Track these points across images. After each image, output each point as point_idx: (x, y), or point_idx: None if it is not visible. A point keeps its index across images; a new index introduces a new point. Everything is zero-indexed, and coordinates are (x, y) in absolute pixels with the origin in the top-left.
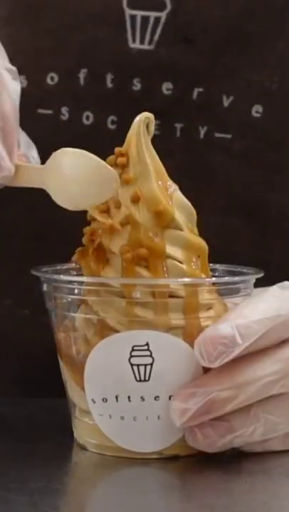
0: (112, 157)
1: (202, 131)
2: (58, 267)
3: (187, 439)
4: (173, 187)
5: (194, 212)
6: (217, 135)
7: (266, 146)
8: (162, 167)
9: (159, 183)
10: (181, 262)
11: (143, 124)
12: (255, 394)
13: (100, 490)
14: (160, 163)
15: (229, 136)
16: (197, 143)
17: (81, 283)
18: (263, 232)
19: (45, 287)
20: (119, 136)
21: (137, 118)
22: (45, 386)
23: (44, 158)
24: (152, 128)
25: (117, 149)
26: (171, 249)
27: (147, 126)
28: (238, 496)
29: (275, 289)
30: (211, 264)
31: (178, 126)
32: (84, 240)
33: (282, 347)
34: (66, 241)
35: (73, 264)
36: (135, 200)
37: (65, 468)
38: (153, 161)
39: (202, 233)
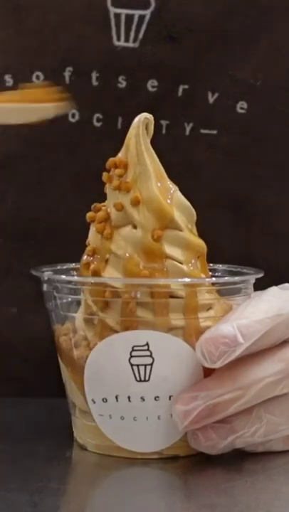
0: (111, 160)
1: (188, 128)
2: (58, 267)
3: (189, 441)
4: (173, 188)
5: (194, 212)
6: (202, 131)
7: (251, 142)
8: (162, 168)
9: (159, 184)
10: (180, 263)
11: (142, 124)
12: (257, 395)
13: (100, 490)
14: (159, 164)
15: (214, 132)
16: (183, 139)
17: (81, 283)
18: (248, 228)
19: (45, 287)
20: (105, 133)
21: (136, 119)
22: (45, 386)
23: (30, 152)
24: (151, 128)
25: (111, 160)
26: (170, 250)
27: (146, 127)
28: (238, 496)
29: (275, 290)
30: (211, 264)
31: (163, 123)
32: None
33: (283, 347)
34: (56, 240)
35: (73, 264)
36: (135, 203)
37: (65, 468)
38: (152, 162)
39: None
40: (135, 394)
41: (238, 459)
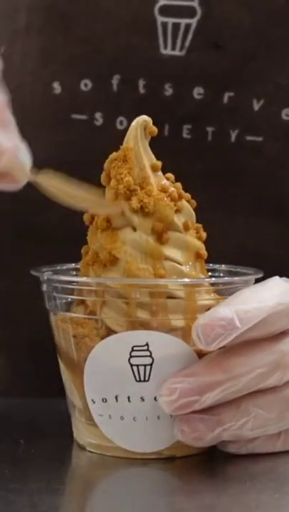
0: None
1: (233, 135)
2: (58, 267)
3: (176, 434)
4: (171, 188)
5: (193, 213)
6: (248, 138)
7: None
8: (160, 169)
9: (158, 185)
10: (180, 264)
11: (140, 127)
12: (246, 385)
13: (100, 490)
14: (159, 165)
15: (260, 138)
16: (228, 146)
17: (81, 283)
18: None
19: (44, 287)
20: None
21: (134, 122)
22: (45, 386)
23: (79, 161)
24: (152, 129)
25: (109, 162)
26: (170, 251)
27: (145, 129)
28: (238, 496)
29: (278, 279)
30: (211, 264)
31: (209, 130)
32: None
33: (279, 339)
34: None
35: (73, 264)
36: (136, 207)
37: (65, 468)
38: (151, 164)
39: (233, 235)
40: (135, 394)
41: (238, 459)
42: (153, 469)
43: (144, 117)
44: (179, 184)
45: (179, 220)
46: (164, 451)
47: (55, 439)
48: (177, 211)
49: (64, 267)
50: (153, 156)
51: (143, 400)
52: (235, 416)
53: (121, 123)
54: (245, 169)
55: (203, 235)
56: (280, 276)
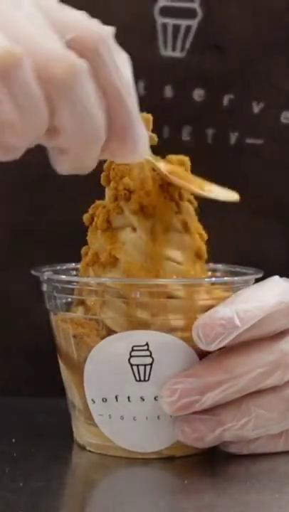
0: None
1: (233, 137)
2: (58, 267)
3: (176, 435)
4: (170, 189)
5: (194, 213)
6: (248, 140)
7: None
8: (160, 170)
9: (157, 185)
10: (180, 264)
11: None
12: (247, 385)
13: (100, 490)
14: (157, 166)
15: (260, 141)
16: (228, 148)
17: (81, 283)
18: None
19: (44, 287)
20: None
21: None
22: (45, 386)
23: None
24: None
25: (108, 164)
26: (170, 252)
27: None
28: (238, 496)
29: (278, 279)
30: (211, 264)
31: (209, 132)
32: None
33: (279, 339)
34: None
35: (73, 264)
36: (136, 210)
37: (65, 468)
38: (150, 165)
39: (233, 236)
40: (135, 394)
41: (238, 459)
42: (153, 469)
43: (143, 115)
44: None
45: (179, 221)
46: (164, 451)
47: (55, 439)
48: (177, 212)
49: (64, 267)
50: (151, 157)
51: (143, 399)
52: (236, 416)
53: None
54: (245, 171)
55: (204, 235)
56: (280, 276)
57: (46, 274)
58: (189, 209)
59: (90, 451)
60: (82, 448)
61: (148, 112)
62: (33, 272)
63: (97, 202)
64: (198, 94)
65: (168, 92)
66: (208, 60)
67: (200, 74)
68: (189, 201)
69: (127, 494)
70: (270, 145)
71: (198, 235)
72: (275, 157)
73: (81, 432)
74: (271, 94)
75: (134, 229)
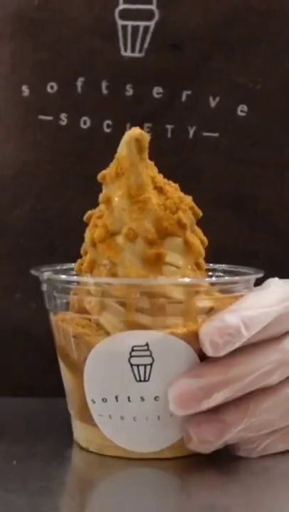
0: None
1: (191, 131)
2: (58, 267)
3: (185, 441)
4: (170, 190)
5: (193, 218)
6: (205, 134)
7: (251, 143)
8: (157, 174)
9: (156, 191)
10: (179, 268)
11: (134, 141)
12: (251, 382)
13: (100, 490)
14: (155, 169)
15: (216, 134)
16: (187, 142)
17: (81, 283)
18: (251, 227)
19: (44, 287)
20: (115, 138)
21: (127, 137)
22: (45, 386)
23: (44, 160)
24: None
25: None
26: (169, 256)
27: (139, 141)
28: (238, 496)
29: (278, 281)
30: (210, 264)
31: (168, 127)
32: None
33: (283, 339)
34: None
35: (73, 264)
36: (136, 216)
37: (65, 468)
38: (148, 171)
39: None
40: (135, 394)
41: (237, 459)
42: (153, 469)
43: (137, 134)
44: (178, 189)
45: (178, 226)
46: (164, 451)
47: (55, 439)
48: (176, 217)
49: (64, 267)
50: (148, 163)
51: (143, 399)
52: (242, 419)
53: (85, 123)
54: (203, 165)
55: (205, 239)
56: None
57: (46, 274)
58: (188, 214)
59: (89, 451)
60: (82, 448)
61: (110, 111)
62: (33, 272)
63: (90, 212)
64: (157, 91)
65: (129, 90)
66: (166, 58)
67: (159, 72)
68: (192, 208)
69: (127, 494)
70: (227, 138)
71: (200, 241)
72: (232, 150)
73: (81, 432)
74: (227, 89)
75: (135, 235)
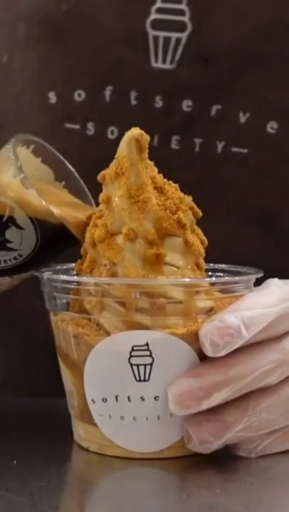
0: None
1: (220, 146)
2: (58, 267)
3: (186, 441)
4: (170, 191)
5: (193, 218)
6: (234, 149)
7: (280, 160)
8: (157, 174)
9: (155, 191)
10: (179, 268)
11: (133, 141)
12: (251, 382)
13: (100, 490)
14: (155, 169)
15: (245, 150)
16: (215, 157)
17: (81, 283)
18: (276, 242)
19: (45, 287)
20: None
21: (127, 137)
22: (45, 386)
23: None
24: (145, 144)
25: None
26: (169, 256)
27: (139, 142)
28: (238, 496)
29: (278, 282)
30: (211, 264)
31: (197, 141)
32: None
33: (283, 338)
34: None
35: (73, 264)
36: (135, 216)
37: (65, 468)
38: (148, 171)
39: (218, 244)
40: (135, 394)
41: (237, 459)
42: (153, 469)
43: (136, 134)
44: (178, 189)
45: (177, 226)
46: (164, 451)
47: (55, 439)
48: (176, 217)
49: (64, 267)
50: (147, 164)
51: (143, 399)
52: (240, 417)
53: (112, 133)
54: (231, 180)
55: (205, 239)
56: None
57: (46, 274)
58: (188, 214)
59: (89, 451)
60: (82, 448)
61: (139, 121)
62: (33, 272)
63: (90, 212)
64: (186, 104)
65: (158, 102)
66: (196, 71)
67: (189, 85)
68: (193, 209)
69: (127, 494)
70: (256, 154)
71: (200, 241)
72: (260, 166)
73: (81, 432)
74: (257, 105)
75: (135, 237)
